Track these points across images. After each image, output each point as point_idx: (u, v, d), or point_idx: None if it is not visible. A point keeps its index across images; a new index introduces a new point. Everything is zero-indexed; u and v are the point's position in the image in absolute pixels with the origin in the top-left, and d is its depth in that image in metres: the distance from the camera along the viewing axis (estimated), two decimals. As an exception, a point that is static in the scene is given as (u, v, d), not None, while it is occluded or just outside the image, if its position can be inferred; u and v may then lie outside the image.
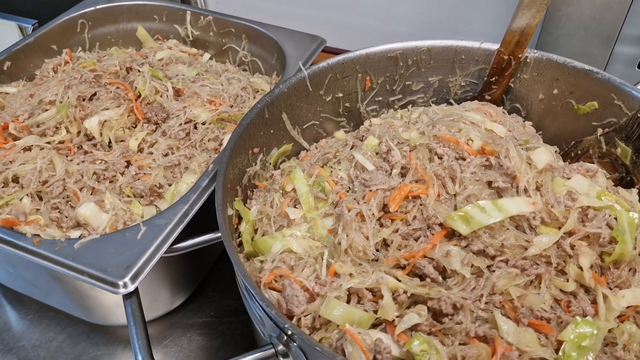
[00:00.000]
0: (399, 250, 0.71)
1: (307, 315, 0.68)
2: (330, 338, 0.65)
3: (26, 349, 1.00)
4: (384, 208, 0.75)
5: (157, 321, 1.03)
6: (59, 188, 0.92)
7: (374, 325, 0.66)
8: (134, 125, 1.07)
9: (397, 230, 0.72)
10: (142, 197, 0.94)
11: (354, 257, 0.71)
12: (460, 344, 0.63)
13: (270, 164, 0.95)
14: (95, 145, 1.03)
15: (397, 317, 0.65)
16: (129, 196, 0.93)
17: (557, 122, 0.98)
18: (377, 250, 0.72)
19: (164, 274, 0.95)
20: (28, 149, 0.98)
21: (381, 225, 0.74)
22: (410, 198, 0.74)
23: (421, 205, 0.73)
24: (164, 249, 0.79)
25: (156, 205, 0.94)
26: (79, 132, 1.02)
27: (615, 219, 0.70)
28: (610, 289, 0.68)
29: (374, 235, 0.72)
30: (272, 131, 0.94)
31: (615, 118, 0.89)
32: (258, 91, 1.21)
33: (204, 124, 1.06)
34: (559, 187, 0.73)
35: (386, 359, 0.61)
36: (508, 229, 0.70)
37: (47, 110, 1.03)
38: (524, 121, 0.99)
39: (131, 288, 0.75)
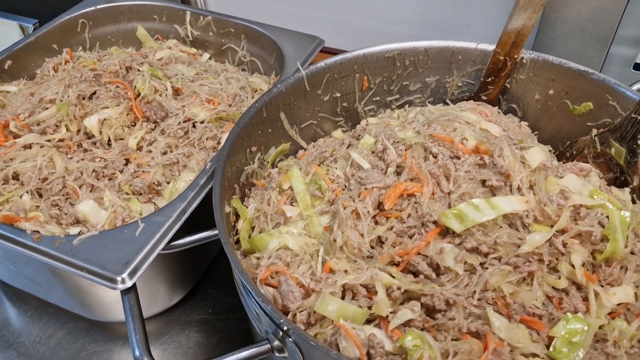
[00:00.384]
0: (394, 247, 0.72)
1: (302, 311, 0.68)
2: (325, 333, 0.66)
3: (26, 345, 1.01)
4: (379, 206, 0.76)
5: (155, 318, 1.04)
6: (59, 185, 0.93)
7: (368, 321, 0.67)
8: (133, 124, 1.08)
9: (391, 228, 0.73)
10: (140, 194, 0.95)
11: (349, 254, 0.71)
12: (452, 339, 0.64)
13: (268, 162, 0.96)
14: (94, 143, 1.04)
15: (390, 312, 0.66)
16: (127, 194, 0.94)
17: (553, 122, 0.98)
18: (372, 248, 0.73)
19: (162, 271, 0.96)
20: (28, 146, 0.99)
21: (376, 222, 0.75)
22: (405, 196, 0.75)
23: (416, 203, 0.74)
24: (161, 245, 0.80)
25: (154, 203, 0.94)
26: (78, 131, 1.03)
27: (607, 217, 0.71)
28: (602, 286, 0.69)
29: (369, 233, 0.73)
30: (270, 130, 0.95)
31: (610, 118, 0.90)
32: (256, 91, 1.22)
33: (202, 122, 1.07)
34: (552, 186, 0.74)
35: (379, 353, 0.62)
36: (501, 226, 0.70)
37: (47, 108, 1.04)
38: (520, 121, 1.00)
39: (129, 284, 0.76)
